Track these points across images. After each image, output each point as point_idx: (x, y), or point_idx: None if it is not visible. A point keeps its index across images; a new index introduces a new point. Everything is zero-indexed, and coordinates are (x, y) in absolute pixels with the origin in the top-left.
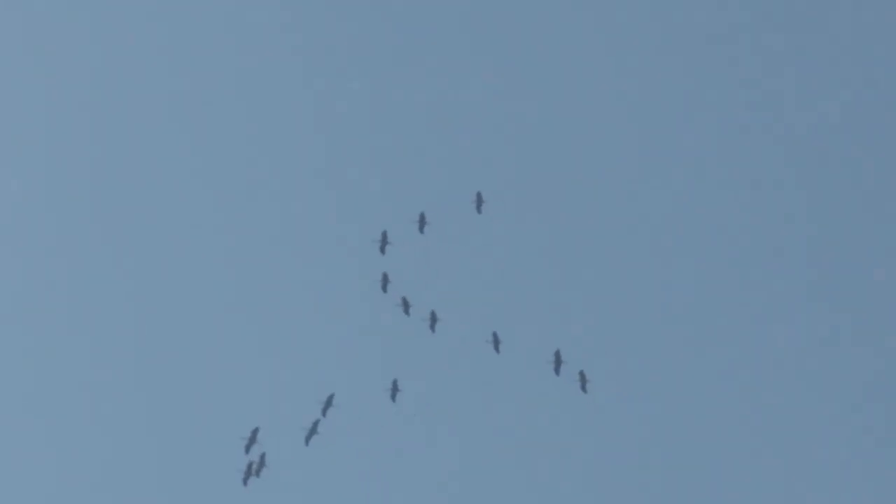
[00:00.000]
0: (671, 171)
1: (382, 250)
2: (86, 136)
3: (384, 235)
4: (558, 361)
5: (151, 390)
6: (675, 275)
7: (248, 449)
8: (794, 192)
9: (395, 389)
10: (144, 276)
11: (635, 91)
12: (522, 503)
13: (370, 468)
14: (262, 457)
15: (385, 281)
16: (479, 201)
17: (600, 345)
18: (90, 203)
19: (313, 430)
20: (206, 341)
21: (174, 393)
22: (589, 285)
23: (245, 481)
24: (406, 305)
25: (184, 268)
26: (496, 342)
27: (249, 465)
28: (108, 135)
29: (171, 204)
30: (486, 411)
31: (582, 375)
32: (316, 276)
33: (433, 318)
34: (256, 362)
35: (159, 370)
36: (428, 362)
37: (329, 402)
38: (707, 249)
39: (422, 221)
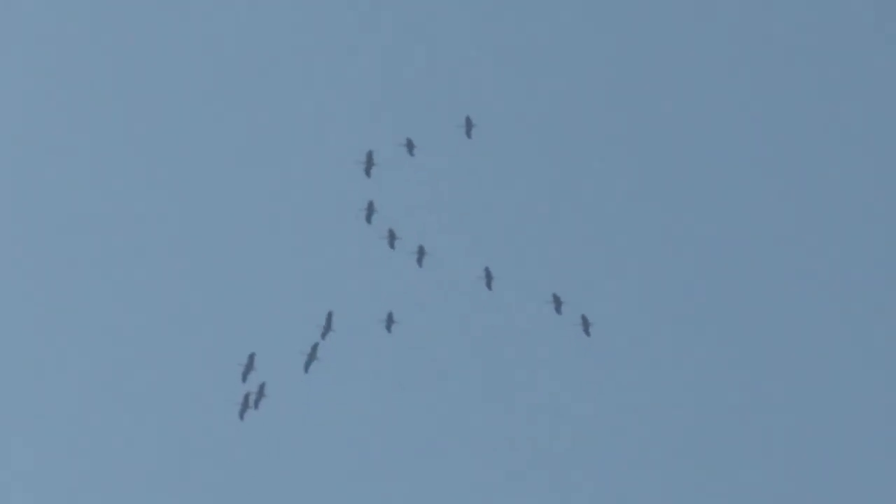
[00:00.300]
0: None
1: (368, 172)
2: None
3: (369, 156)
4: (558, 302)
5: (139, 318)
6: (684, 201)
7: (245, 377)
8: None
9: (390, 321)
10: (139, 196)
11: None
12: (517, 444)
13: (368, 395)
14: (262, 387)
15: (370, 211)
16: (469, 125)
17: (601, 283)
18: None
19: (312, 356)
20: (190, 267)
21: (159, 325)
22: (592, 218)
23: (242, 415)
24: (392, 238)
25: (171, 193)
26: (489, 279)
27: (246, 397)
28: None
29: (158, 128)
30: (475, 354)
31: (584, 319)
32: (300, 198)
33: (421, 253)
34: (239, 289)
35: (146, 297)
36: (415, 299)
37: (328, 325)
38: (705, 178)
39: (410, 144)
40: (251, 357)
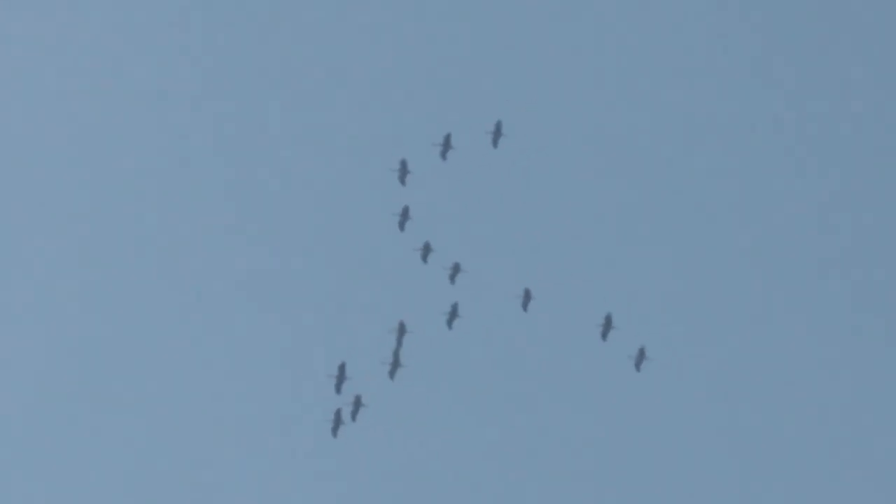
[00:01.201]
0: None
1: (402, 181)
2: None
3: (403, 164)
4: (608, 326)
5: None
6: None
7: (338, 388)
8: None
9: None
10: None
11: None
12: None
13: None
14: (358, 399)
15: (405, 217)
16: (497, 134)
17: (653, 309)
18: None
19: (396, 363)
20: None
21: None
22: (639, 234)
23: (335, 431)
24: (426, 251)
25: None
26: (527, 299)
27: (338, 413)
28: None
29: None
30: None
31: (641, 352)
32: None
33: (455, 270)
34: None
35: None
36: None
37: (402, 330)
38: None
39: (445, 145)
40: (342, 367)
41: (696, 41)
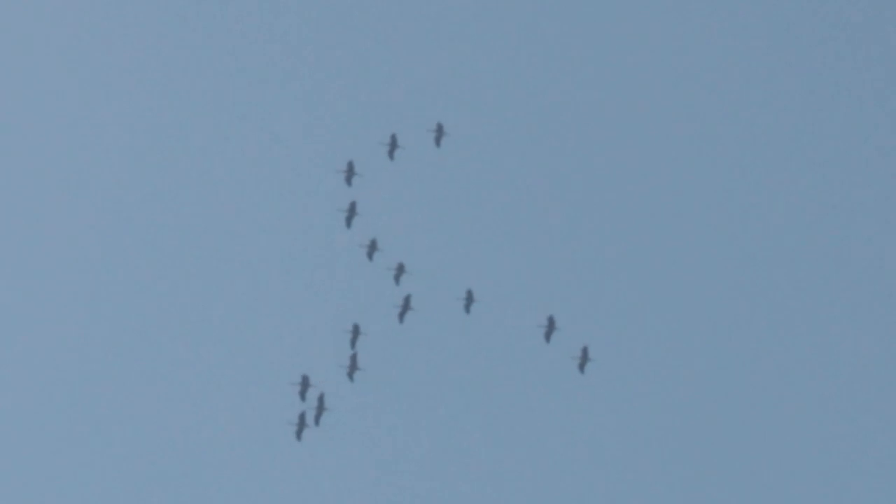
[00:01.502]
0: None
1: (349, 181)
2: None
3: (350, 166)
4: (551, 327)
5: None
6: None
7: (303, 395)
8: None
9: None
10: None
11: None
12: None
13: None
14: (321, 399)
15: (351, 213)
16: (440, 133)
17: (596, 315)
18: None
19: (354, 366)
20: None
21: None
22: (589, 234)
23: (299, 434)
24: (372, 249)
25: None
26: (469, 301)
27: (302, 416)
28: None
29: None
30: (452, 390)
31: (584, 353)
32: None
33: (400, 270)
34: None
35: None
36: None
37: (356, 333)
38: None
39: (392, 144)
40: (305, 378)
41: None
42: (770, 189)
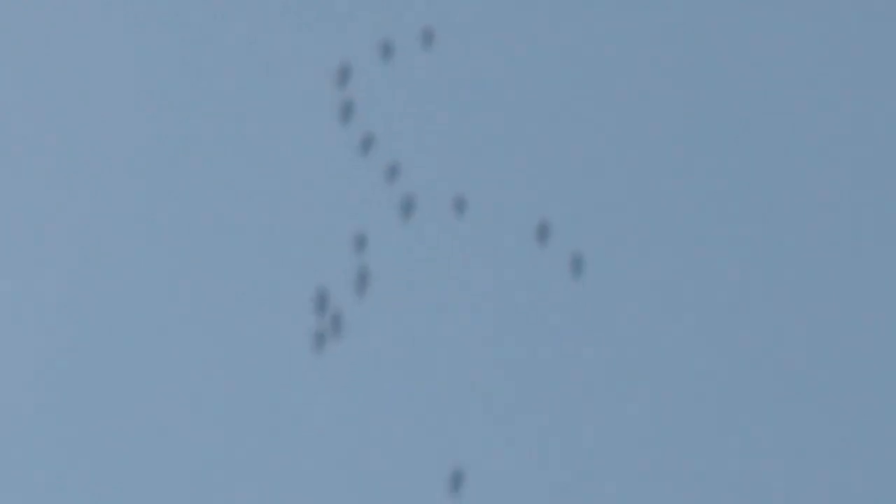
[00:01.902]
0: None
1: (341, 85)
2: None
3: (343, 69)
4: (543, 232)
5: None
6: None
7: (321, 309)
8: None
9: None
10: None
11: None
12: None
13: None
14: (337, 317)
15: (347, 110)
16: (428, 36)
17: (592, 215)
18: None
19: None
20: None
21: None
22: (586, 133)
23: (318, 348)
24: (367, 143)
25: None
26: (460, 205)
27: (320, 332)
28: None
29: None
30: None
31: (577, 258)
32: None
33: (392, 171)
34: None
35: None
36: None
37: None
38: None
39: (386, 49)
40: (322, 293)
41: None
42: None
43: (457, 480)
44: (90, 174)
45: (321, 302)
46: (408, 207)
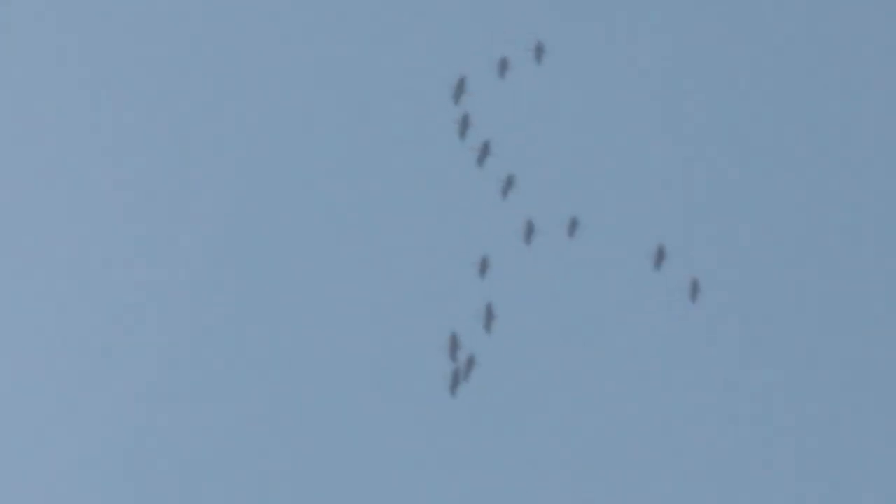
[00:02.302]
0: None
1: (456, 100)
2: None
3: (460, 83)
4: (661, 256)
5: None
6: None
7: (453, 355)
8: None
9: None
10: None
11: None
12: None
13: None
14: (471, 358)
15: (464, 125)
16: (539, 51)
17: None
18: None
19: (489, 317)
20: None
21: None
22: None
23: (453, 390)
24: (484, 153)
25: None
26: (573, 227)
27: (455, 372)
28: None
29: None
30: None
31: (694, 284)
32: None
33: (508, 183)
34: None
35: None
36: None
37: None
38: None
39: (503, 65)
40: (454, 336)
41: None
42: None
43: None
44: (215, 192)
45: (454, 345)
46: (529, 231)
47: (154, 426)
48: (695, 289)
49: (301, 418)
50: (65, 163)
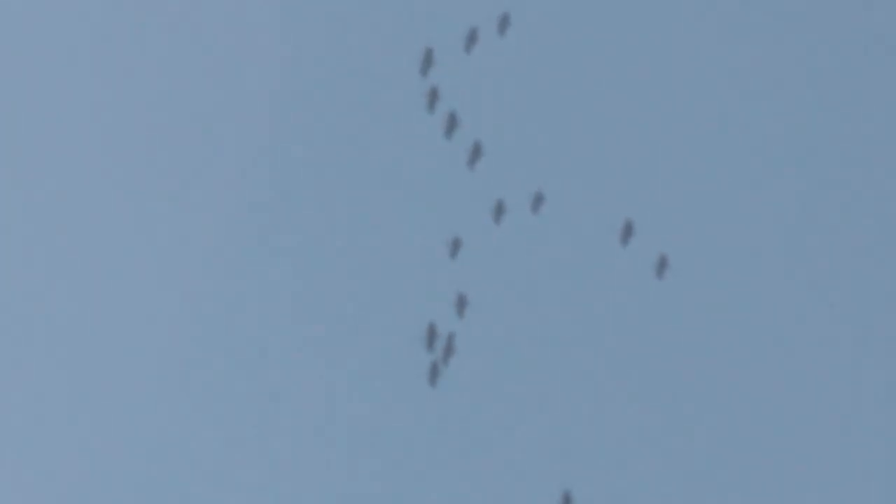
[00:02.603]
0: None
1: (424, 72)
2: None
3: (428, 54)
4: (627, 232)
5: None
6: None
7: (430, 346)
8: None
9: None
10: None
11: None
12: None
13: None
14: (450, 339)
15: (432, 98)
16: (505, 23)
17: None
18: None
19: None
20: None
21: None
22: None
23: (433, 381)
24: (452, 124)
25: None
26: (538, 202)
27: (434, 364)
28: None
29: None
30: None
31: (662, 259)
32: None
33: (475, 151)
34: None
35: None
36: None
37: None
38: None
39: (471, 37)
40: (431, 326)
41: None
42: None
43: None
44: (203, 182)
45: (430, 335)
46: (498, 210)
47: (154, 426)
48: (662, 264)
49: (278, 412)
50: (62, 163)
